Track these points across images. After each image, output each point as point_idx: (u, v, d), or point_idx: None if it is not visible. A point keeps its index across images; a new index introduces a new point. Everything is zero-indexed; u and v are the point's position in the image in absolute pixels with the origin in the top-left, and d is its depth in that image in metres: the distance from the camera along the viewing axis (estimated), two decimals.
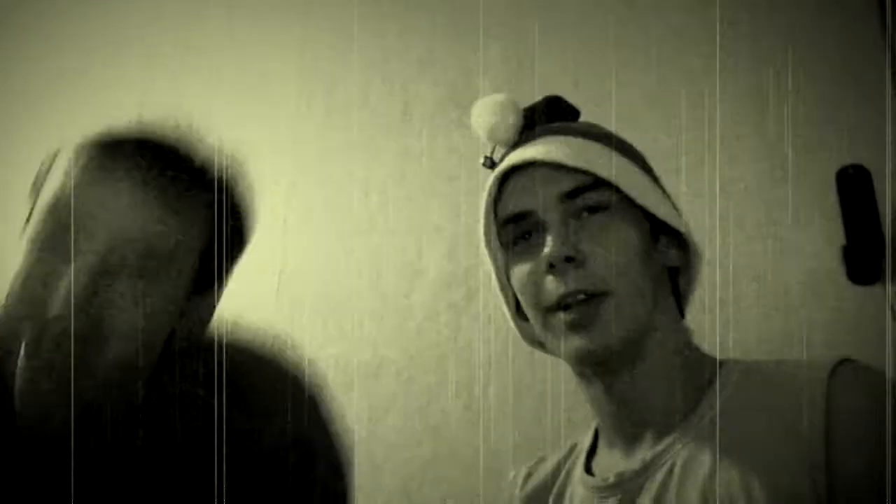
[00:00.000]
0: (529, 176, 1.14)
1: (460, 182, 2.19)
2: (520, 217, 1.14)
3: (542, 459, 1.28)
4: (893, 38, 1.70)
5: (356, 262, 2.21)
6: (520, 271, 1.14)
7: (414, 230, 2.20)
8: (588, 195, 1.11)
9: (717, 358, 1.16)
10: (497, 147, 1.21)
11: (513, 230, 1.15)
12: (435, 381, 2.13)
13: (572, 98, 1.27)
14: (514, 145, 1.19)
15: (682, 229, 1.14)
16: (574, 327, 1.09)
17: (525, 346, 2.14)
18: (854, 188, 1.67)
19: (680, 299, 1.18)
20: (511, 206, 1.15)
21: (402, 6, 2.28)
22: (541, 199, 1.12)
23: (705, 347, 1.18)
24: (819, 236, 1.81)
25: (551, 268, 1.09)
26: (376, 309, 2.18)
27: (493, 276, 1.21)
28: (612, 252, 1.08)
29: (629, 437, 1.13)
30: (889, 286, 1.59)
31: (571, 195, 1.11)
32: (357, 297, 2.20)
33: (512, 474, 1.29)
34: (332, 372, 2.17)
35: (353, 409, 2.14)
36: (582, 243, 1.09)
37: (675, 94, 1.99)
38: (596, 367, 1.12)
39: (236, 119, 2.30)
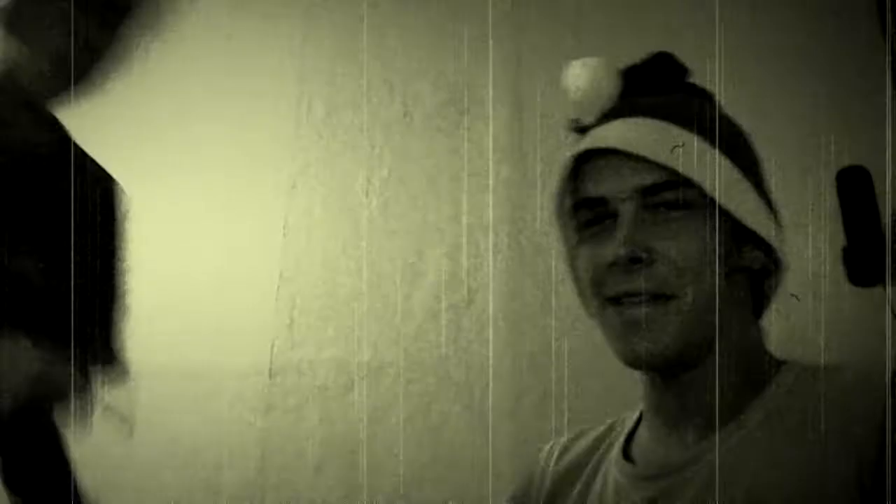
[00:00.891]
0: (608, 161, 1.07)
1: (461, 183, 2.19)
2: (594, 203, 1.07)
3: (580, 434, 1.22)
4: (893, 38, 1.69)
5: (356, 264, 2.21)
6: (585, 256, 1.08)
7: (414, 231, 2.20)
8: (668, 193, 1.04)
9: (778, 358, 1.12)
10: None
11: (584, 214, 1.08)
12: (435, 382, 2.13)
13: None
14: (604, 116, 1.12)
15: (773, 243, 1.08)
16: (631, 327, 1.04)
17: (525, 347, 2.15)
18: (854, 189, 1.67)
19: (761, 300, 1.12)
20: (586, 189, 1.08)
21: (402, 6, 2.28)
22: (617, 189, 1.05)
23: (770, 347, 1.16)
24: (819, 238, 1.81)
25: (614, 265, 1.04)
26: (377, 310, 2.18)
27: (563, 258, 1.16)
28: (686, 254, 1.02)
29: (674, 431, 1.08)
30: (889, 287, 1.58)
31: (650, 191, 1.04)
32: (357, 298, 2.20)
33: (548, 447, 1.22)
34: (333, 373, 2.17)
35: (353, 410, 2.14)
36: (654, 241, 1.02)
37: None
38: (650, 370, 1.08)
39: (236, 119, 2.31)
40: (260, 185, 2.28)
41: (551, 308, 2.10)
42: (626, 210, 1.04)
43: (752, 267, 1.09)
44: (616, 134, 1.08)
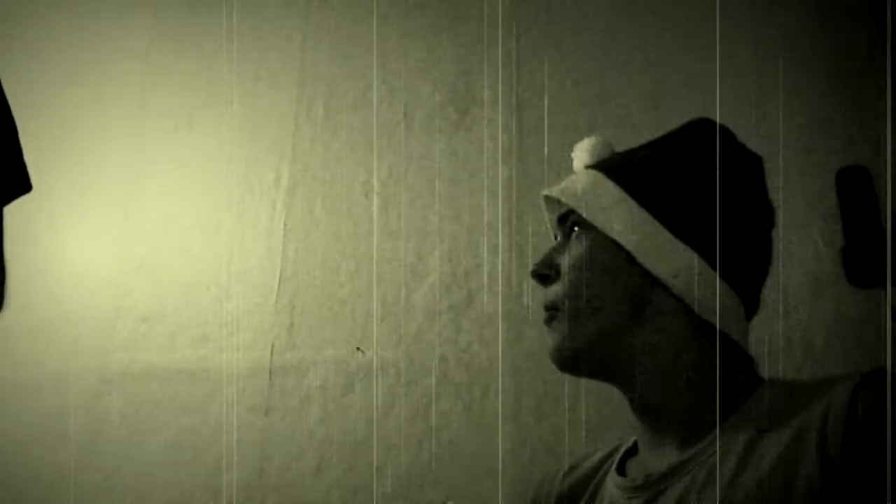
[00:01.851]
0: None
1: (460, 184, 2.19)
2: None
3: (589, 454, 1.36)
4: (893, 39, 1.70)
5: (356, 264, 2.21)
6: None
7: (414, 232, 2.20)
8: (573, 218, 1.25)
9: (762, 377, 1.21)
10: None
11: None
12: (435, 382, 2.13)
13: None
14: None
15: (666, 281, 1.20)
16: (549, 326, 1.25)
17: (525, 348, 2.15)
18: (854, 189, 1.67)
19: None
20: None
21: (402, 8, 2.28)
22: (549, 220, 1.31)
23: (760, 367, 1.20)
24: (819, 238, 1.81)
25: (536, 279, 1.26)
26: (376, 311, 2.18)
27: None
28: (589, 271, 1.21)
29: (657, 444, 1.20)
30: (889, 287, 1.58)
31: (562, 219, 1.28)
32: (357, 299, 2.20)
33: (563, 469, 1.36)
34: (333, 374, 2.17)
35: (353, 410, 2.14)
36: (561, 260, 1.24)
37: (675, 94, 1.99)
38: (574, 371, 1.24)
39: (237, 120, 2.30)
40: (260, 185, 2.28)
41: None
42: (556, 234, 1.34)
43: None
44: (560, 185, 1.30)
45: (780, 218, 1.24)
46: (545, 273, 1.25)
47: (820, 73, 1.87)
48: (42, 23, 2.43)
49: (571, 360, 1.22)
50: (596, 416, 2.05)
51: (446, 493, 2.04)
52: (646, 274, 1.19)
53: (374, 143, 2.26)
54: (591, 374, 1.24)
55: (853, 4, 1.85)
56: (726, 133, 1.28)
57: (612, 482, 1.25)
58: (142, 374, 2.22)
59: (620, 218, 1.20)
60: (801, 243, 1.80)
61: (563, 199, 1.25)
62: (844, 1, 1.87)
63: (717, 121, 1.25)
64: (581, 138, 1.31)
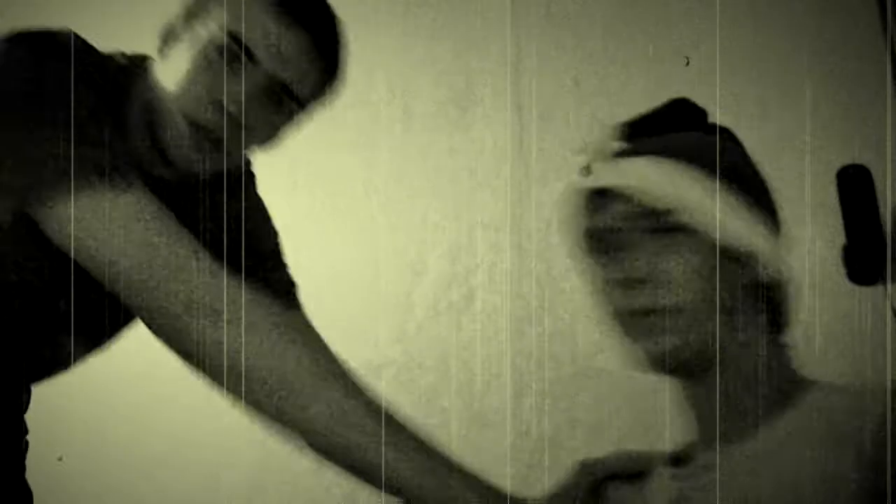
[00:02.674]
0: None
1: (460, 182, 2.19)
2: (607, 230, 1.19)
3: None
4: (893, 38, 1.70)
5: (356, 262, 2.21)
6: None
7: (414, 230, 2.20)
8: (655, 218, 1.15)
9: (805, 379, 1.18)
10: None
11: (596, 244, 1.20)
12: (435, 380, 2.13)
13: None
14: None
15: (760, 258, 1.16)
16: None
17: (525, 346, 2.15)
18: (854, 188, 1.67)
19: (777, 316, 1.19)
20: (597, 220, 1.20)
21: (402, 6, 2.28)
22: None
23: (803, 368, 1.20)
24: (819, 237, 1.81)
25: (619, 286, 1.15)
26: (376, 308, 2.18)
27: None
28: (673, 271, 1.13)
29: (702, 439, 1.18)
30: (889, 286, 1.58)
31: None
32: (357, 296, 2.20)
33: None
34: None
35: None
36: (644, 262, 1.14)
37: (675, 94, 1.99)
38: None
39: None
40: (260, 185, 2.28)
41: (551, 308, 2.11)
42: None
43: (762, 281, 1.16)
44: (615, 174, 1.19)
45: (781, 218, 1.24)
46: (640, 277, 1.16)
47: (820, 73, 1.87)
48: None
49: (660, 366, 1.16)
50: (596, 415, 2.06)
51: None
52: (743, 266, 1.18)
53: (374, 141, 2.26)
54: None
55: (853, 4, 1.85)
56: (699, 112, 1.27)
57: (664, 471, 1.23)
58: (142, 373, 2.22)
59: None
60: (802, 243, 1.80)
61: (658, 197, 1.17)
62: (844, 1, 1.87)
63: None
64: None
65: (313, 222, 2.27)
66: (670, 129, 1.23)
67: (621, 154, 1.20)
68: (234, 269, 1.30)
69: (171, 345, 1.28)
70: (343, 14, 1.36)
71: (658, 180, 1.15)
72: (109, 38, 1.36)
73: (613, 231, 1.16)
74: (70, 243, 1.18)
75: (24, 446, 1.40)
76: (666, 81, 2.02)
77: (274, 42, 1.27)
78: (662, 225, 1.14)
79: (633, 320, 1.14)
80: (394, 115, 2.26)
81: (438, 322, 2.15)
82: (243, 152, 1.37)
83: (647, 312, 1.13)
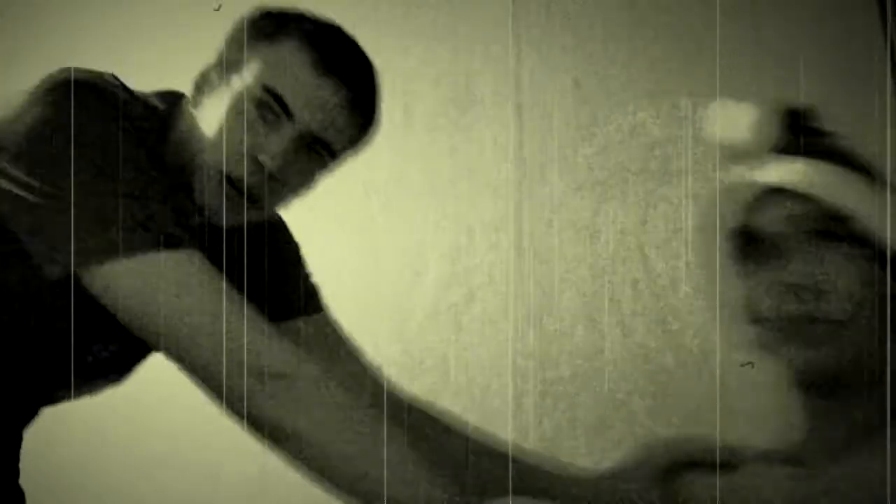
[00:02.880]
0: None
1: (461, 183, 2.19)
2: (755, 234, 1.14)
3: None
4: (893, 38, 1.70)
5: (356, 263, 2.21)
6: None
7: (414, 231, 2.20)
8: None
9: None
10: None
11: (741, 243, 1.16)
12: (435, 382, 2.13)
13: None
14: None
15: None
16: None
17: (524, 348, 2.15)
18: None
19: None
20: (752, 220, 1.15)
21: (402, 7, 2.28)
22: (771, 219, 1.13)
23: None
24: None
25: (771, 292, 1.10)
26: (376, 309, 2.18)
27: None
28: (838, 281, 1.08)
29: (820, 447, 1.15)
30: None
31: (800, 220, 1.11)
32: (357, 297, 2.20)
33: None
34: None
35: None
36: (806, 268, 1.09)
37: (675, 93, 1.99)
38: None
39: None
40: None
41: (552, 308, 2.10)
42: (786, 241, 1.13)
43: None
44: (780, 172, 1.14)
45: None
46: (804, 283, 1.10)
47: (820, 73, 1.87)
48: None
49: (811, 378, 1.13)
50: (596, 415, 2.06)
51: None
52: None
53: (374, 141, 2.26)
54: None
55: (853, 4, 1.85)
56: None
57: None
58: (142, 373, 2.22)
59: None
60: None
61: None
62: (844, 1, 1.87)
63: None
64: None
65: (313, 222, 2.27)
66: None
67: (788, 150, 1.17)
68: (277, 319, 1.28)
69: (217, 399, 1.26)
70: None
71: (833, 182, 1.11)
72: (145, 83, 1.33)
73: (774, 233, 1.11)
74: (117, 303, 1.15)
75: (18, 456, 1.40)
76: (666, 82, 2.02)
77: (311, 96, 1.24)
78: (834, 231, 1.09)
79: (788, 328, 1.09)
80: (394, 115, 2.26)
81: (438, 322, 2.15)
82: (278, 205, 1.34)
83: (810, 321, 1.07)
